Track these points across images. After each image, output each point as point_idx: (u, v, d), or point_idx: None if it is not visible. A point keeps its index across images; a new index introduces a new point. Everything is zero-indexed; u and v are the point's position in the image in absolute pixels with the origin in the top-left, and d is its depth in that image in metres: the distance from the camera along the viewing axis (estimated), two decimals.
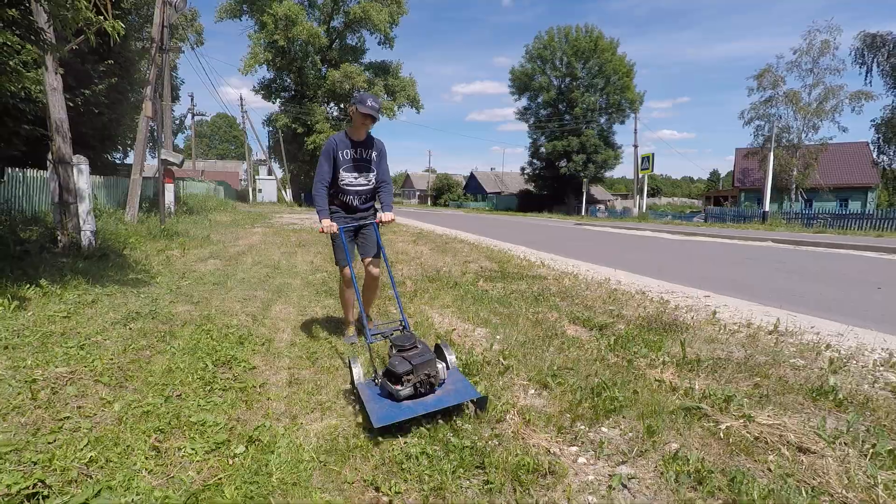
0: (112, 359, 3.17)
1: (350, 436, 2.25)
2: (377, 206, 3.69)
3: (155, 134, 15.66)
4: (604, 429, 2.28)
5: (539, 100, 42.33)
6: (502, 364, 3.07)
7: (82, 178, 7.74)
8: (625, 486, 1.85)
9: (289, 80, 39.95)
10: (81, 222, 7.64)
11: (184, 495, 1.79)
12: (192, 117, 35.24)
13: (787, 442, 2.07)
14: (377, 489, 1.86)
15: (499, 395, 2.63)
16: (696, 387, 2.60)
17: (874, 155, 26.97)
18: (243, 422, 2.38)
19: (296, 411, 2.53)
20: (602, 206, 44.06)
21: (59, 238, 7.55)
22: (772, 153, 24.76)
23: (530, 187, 46.88)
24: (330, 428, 2.33)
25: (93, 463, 1.98)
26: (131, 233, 9.26)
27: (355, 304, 3.65)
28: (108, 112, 12.97)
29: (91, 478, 1.89)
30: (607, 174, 46.42)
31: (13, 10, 5.86)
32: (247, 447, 2.13)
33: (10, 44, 5.72)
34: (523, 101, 44.44)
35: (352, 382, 2.73)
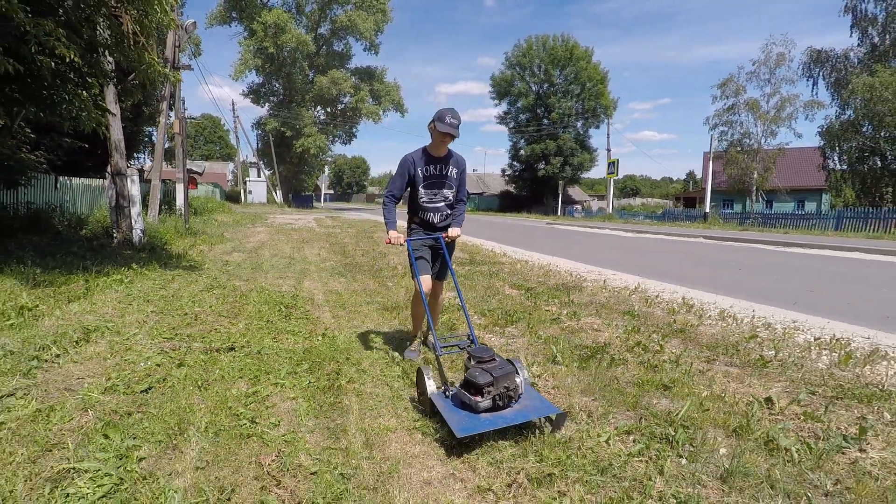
0: (217, 306, 5.13)
1: (370, 337, 4.25)
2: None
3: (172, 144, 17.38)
4: (509, 328, 4.33)
5: (518, 105, 44.70)
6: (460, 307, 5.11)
7: (134, 186, 9.57)
8: (514, 344, 3.89)
9: (277, 85, 41.59)
10: (133, 222, 9.48)
11: (295, 351, 3.78)
12: (184, 122, 36.61)
13: (593, 328, 4.14)
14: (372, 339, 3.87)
15: (461, 320, 4.65)
16: (564, 312, 4.68)
17: (823, 160, 29.68)
18: (315, 331, 4.37)
19: (342, 326, 4.52)
20: (579, 207, 46.57)
21: (114, 235, 9.37)
22: (709, 167, 27.18)
23: (511, 188, 49.26)
24: (360, 332, 4.33)
25: (246, 343, 3.95)
26: (165, 231, 11.08)
27: (425, 319, 3.59)
28: (129, 125, 14.70)
29: (249, 345, 3.87)
30: (586, 175, 48.98)
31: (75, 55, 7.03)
32: (322, 337, 4.12)
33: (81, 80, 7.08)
34: (503, 106, 46.83)
35: (422, 392, 2.76)
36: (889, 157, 24.76)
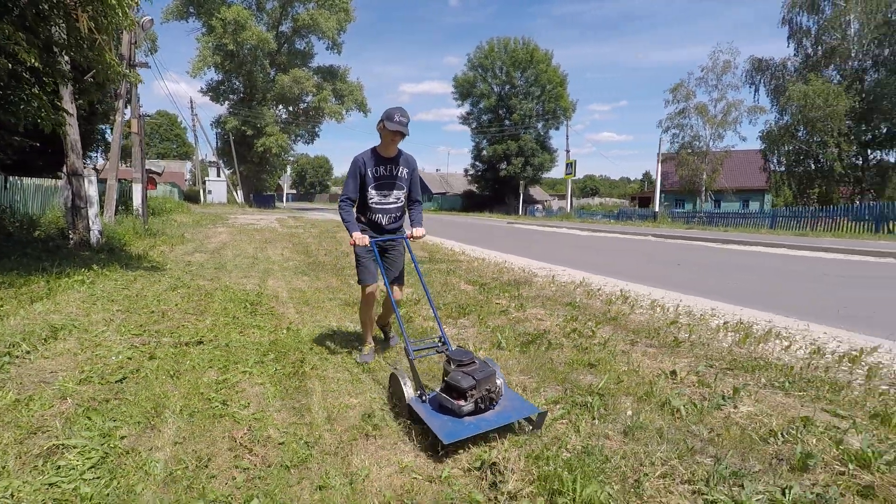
0: (183, 304, 5.31)
1: (331, 329, 4.57)
2: (407, 222, 3.68)
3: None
4: (461, 320, 4.73)
5: (481, 105, 45.45)
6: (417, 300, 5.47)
7: (92, 187, 9.47)
8: (464, 334, 4.29)
9: (238, 83, 40.78)
10: (91, 223, 9.39)
11: (261, 343, 4.06)
12: (142, 122, 35.46)
13: (537, 318, 4.59)
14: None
15: (417, 313, 5.02)
16: (512, 304, 5.12)
17: (764, 162, 31.62)
18: (279, 325, 4.64)
19: (306, 321, 4.81)
20: (540, 206, 47.72)
21: (70, 237, 9.26)
22: (658, 169, 28.55)
23: (473, 188, 49.98)
24: (323, 326, 4.63)
25: (214, 338, 4.20)
26: (124, 232, 10.97)
27: (374, 325, 3.77)
28: (83, 123, 14.35)
29: (217, 339, 4.12)
30: (547, 175, 50.25)
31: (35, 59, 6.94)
32: (286, 330, 4.40)
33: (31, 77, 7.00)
34: (466, 107, 47.48)
35: (399, 397, 2.74)
36: (821, 160, 26.62)
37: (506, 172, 43.35)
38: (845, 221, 16.35)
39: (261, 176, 43.57)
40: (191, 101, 40.85)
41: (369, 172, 3.39)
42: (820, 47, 27.39)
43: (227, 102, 40.97)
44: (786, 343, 3.91)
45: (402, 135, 3.26)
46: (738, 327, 4.30)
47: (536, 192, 54.79)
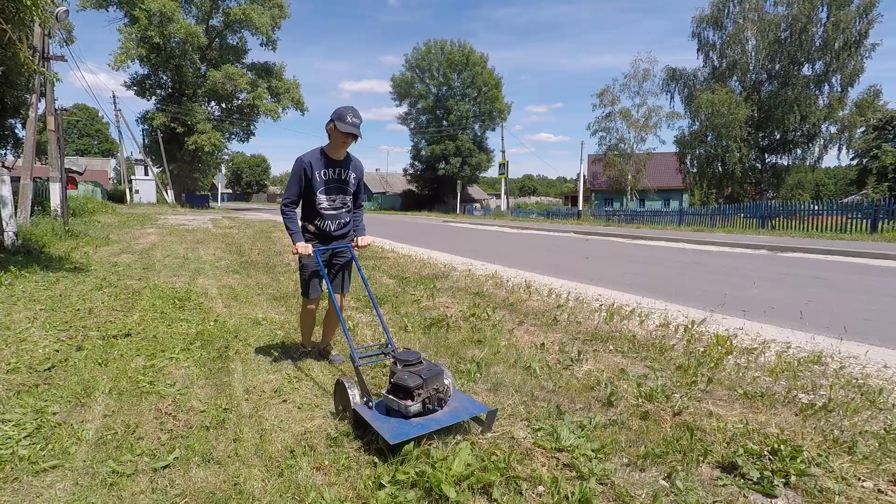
0: (110, 302, 5.50)
1: (258, 320, 4.96)
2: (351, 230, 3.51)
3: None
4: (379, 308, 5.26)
5: (419, 106, 46.12)
6: None
7: (5, 187, 9.16)
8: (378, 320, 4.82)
9: (165, 78, 39.01)
10: (5, 225, 9.09)
11: (188, 334, 4.41)
12: (60, 118, 33.20)
13: (444, 306, 5.21)
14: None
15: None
16: (425, 294, 5.72)
17: (679, 164, 34.31)
18: (207, 318, 4.97)
19: (233, 313, 5.16)
20: (478, 205, 48.98)
21: None
22: (581, 171, 30.39)
23: (413, 188, 50.57)
24: (250, 318, 5.02)
25: (142, 330, 4.49)
26: (42, 233, 10.60)
27: (311, 332, 3.84)
28: None
29: (145, 332, 4.42)
30: (485, 175, 51.73)
31: None
32: (213, 322, 4.75)
33: None
34: (404, 108, 47.98)
35: (345, 405, 2.69)
36: (727, 163, 29.33)
37: (444, 172, 44.27)
38: (737, 218, 18.38)
39: (193, 175, 41.89)
40: (113, 96, 38.51)
41: (317, 175, 3.20)
42: (724, 60, 30.14)
43: (154, 98, 39.12)
44: (642, 319, 4.74)
45: (355, 137, 3.09)
46: (611, 308, 5.11)
47: (475, 191, 56.13)
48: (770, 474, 2.07)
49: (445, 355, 3.80)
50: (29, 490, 2.19)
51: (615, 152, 38.44)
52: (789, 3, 27.80)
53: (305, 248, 3.14)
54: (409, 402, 2.40)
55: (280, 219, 3.75)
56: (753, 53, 29.23)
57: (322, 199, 3.26)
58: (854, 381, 3.12)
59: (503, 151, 38.85)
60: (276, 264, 8.57)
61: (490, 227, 20.33)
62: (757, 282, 7.12)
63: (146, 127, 39.33)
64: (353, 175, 3.34)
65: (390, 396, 2.47)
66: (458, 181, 42.12)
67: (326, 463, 2.31)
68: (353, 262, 3.44)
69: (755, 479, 2.07)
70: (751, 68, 29.65)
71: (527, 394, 3.02)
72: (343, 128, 3.02)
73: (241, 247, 11.35)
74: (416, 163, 48.32)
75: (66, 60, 16.18)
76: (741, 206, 20.02)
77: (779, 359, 3.54)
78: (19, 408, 2.88)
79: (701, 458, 2.25)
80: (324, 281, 3.36)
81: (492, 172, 51.68)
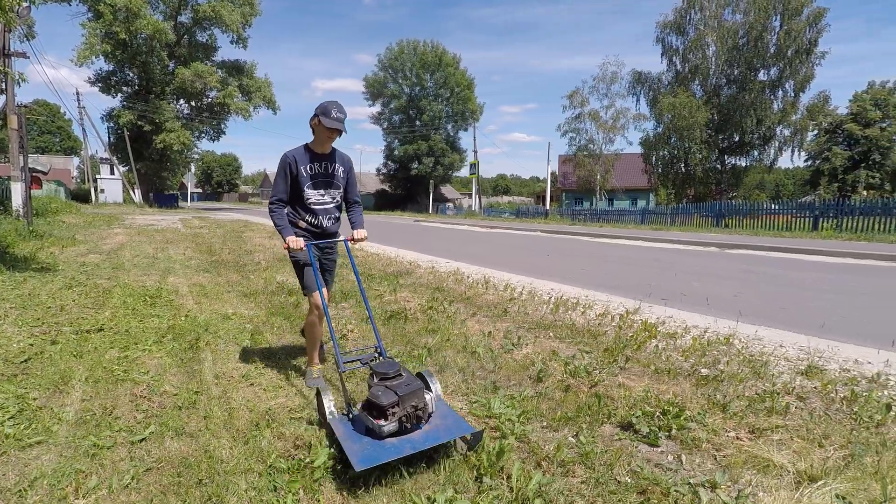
0: (81, 300, 5.68)
1: (228, 315, 5.24)
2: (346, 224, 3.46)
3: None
4: (342, 303, 5.60)
5: (392, 106, 46.34)
6: None
7: None
8: (343, 313, 5.16)
9: (132, 75, 38.20)
10: None
11: (160, 328, 4.66)
12: (22, 117, 32.26)
13: (405, 300, 5.58)
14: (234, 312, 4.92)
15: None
16: (388, 291, 6.08)
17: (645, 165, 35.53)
18: (178, 314, 5.22)
19: (204, 309, 5.42)
20: (451, 205, 49.51)
21: None
22: (549, 170, 31.20)
23: (386, 187, 50.78)
24: (220, 314, 5.29)
25: (115, 325, 4.72)
26: (5, 234, 10.52)
27: (321, 341, 3.53)
28: None
29: (118, 327, 4.65)
30: (458, 174, 52.34)
31: None
32: (185, 318, 5.01)
33: None
34: (377, 107, 48.12)
35: (322, 417, 2.55)
36: (690, 164, 30.54)
37: (417, 172, 44.63)
38: (695, 217, 19.32)
39: (161, 174, 41.11)
40: (77, 92, 37.49)
41: (302, 170, 3.16)
42: (686, 65, 31.37)
43: (120, 95, 38.24)
44: (584, 309, 5.21)
45: (340, 132, 3.09)
46: (559, 301, 5.56)
47: (448, 190, 56.61)
48: (656, 429, 2.52)
49: (401, 343, 4.18)
50: (17, 462, 2.47)
51: (585, 153, 39.44)
52: (746, 11, 29.11)
53: (296, 241, 3.03)
54: (382, 422, 2.23)
55: (251, 218, 3.99)
56: (714, 59, 30.52)
57: (310, 194, 3.21)
58: (749, 357, 3.62)
59: (475, 152, 39.52)
60: (246, 263, 8.78)
61: (460, 227, 20.77)
62: (700, 276, 7.71)
63: (112, 125, 38.43)
64: (340, 168, 3.28)
65: (364, 413, 2.34)
66: (431, 181, 42.55)
67: (287, 433, 2.66)
68: (349, 258, 3.29)
69: (644, 434, 2.51)
70: (711, 73, 30.95)
71: (469, 373, 3.42)
72: (328, 123, 3.01)
73: (211, 246, 11.47)
74: (390, 162, 48.54)
75: (28, 57, 15.92)
76: (698, 205, 21.03)
77: (694, 341, 4.03)
78: (0, 394, 3.12)
79: (605, 420, 2.69)
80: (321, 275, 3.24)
81: (465, 172, 52.23)
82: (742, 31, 29.40)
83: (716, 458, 2.31)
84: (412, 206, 45.67)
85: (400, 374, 2.43)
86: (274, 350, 4.08)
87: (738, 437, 2.45)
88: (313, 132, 3.18)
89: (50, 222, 15.56)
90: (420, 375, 2.57)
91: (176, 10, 38.12)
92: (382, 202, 49.69)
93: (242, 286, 6.70)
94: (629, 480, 2.12)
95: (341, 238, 3.32)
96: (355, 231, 3.30)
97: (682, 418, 2.59)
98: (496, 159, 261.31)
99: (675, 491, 1.99)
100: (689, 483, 2.06)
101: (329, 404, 2.50)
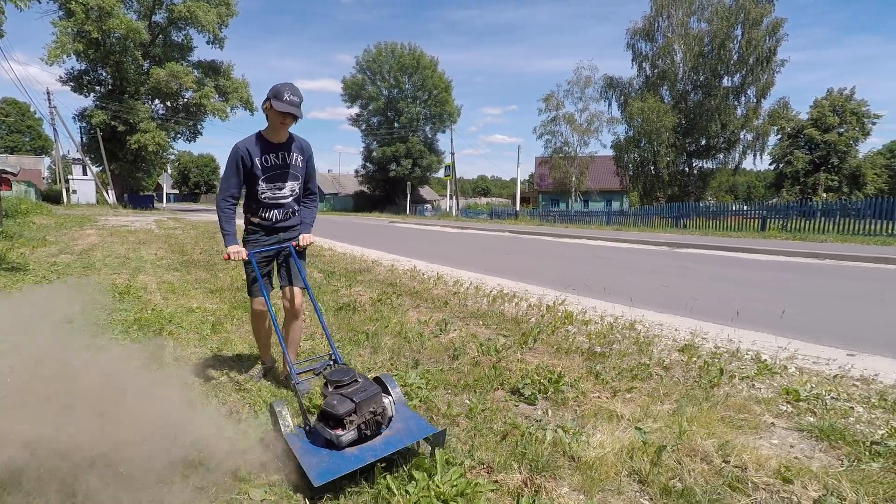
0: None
1: (192, 308, 5.67)
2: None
3: None
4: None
5: (370, 108, 46.75)
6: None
7: None
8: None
9: (105, 74, 37.87)
10: None
11: (127, 320, 5.08)
12: None
13: (358, 294, 6.09)
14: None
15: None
16: (344, 286, 6.57)
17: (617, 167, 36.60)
18: (145, 308, 5.63)
19: (170, 304, 5.84)
20: (429, 206, 50.08)
21: None
22: (518, 173, 31.97)
23: (365, 189, 51.15)
24: (185, 307, 5.72)
25: (82, 318, 5.13)
26: None
27: (271, 342, 3.50)
28: None
29: (84, 319, 5.06)
30: (436, 176, 52.87)
31: None
32: (151, 311, 5.43)
33: None
34: (356, 109, 48.48)
35: (278, 432, 2.41)
36: (658, 167, 31.63)
37: (395, 173, 45.11)
38: (656, 219, 20.22)
39: (136, 175, 40.82)
40: (47, 92, 36.98)
41: (257, 162, 2.92)
42: (655, 70, 32.48)
43: (92, 94, 37.89)
44: (518, 301, 5.79)
45: (294, 117, 2.82)
46: (500, 294, 6.13)
47: (426, 191, 57.15)
48: (536, 392, 3.08)
49: (346, 330, 4.68)
50: None
51: (560, 154, 40.33)
52: (710, 20, 30.31)
53: (237, 252, 2.89)
54: (339, 432, 2.16)
55: None
56: (681, 65, 31.68)
57: (264, 188, 2.98)
58: (639, 339, 4.23)
59: (452, 154, 40.16)
60: (217, 262, 9.15)
61: (433, 228, 21.32)
62: (639, 272, 8.38)
63: (84, 124, 38.06)
64: (298, 157, 3.02)
65: (320, 424, 2.24)
66: (409, 182, 43.06)
67: (231, 399, 3.15)
68: (295, 264, 3.12)
69: (526, 396, 3.07)
70: (678, 79, 32.11)
71: (397, 353, 3.95)
72: (279, 107, 2.73)
73: (183, 247, 11.78)
74: (368, 164, 48.93)
75: None
76: (658, 207, 21.98)
77: (602, 327, 4.63)
78: None
79: (498, 387, 3.24)
80: (267, 282, 3.16)
81: (442, 174, 52.89)
82: (707, 38, 30.61)
83: (576, 413, 2.88)
84: (390, 207, 46.11)
85: (355, 381, 2.33)
86: (231, 339, 4.55)
87: (599, 397, 3.03)
88: (266, 117, 2.91)
89: (20, 223, 15.63)
90: (378, 380, 2.50)
91: (150, 9, 37.93)
92: (361, 203, 50.04)
93: (210, 283, 7.11)
94: (500, 428, 2.67)
95: (286, 245, 3.08)
96: (301, 237, 3.10)
97: (560, 384, 3.16)
98: (477, 161, 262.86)
99: (528, 432, 2.55)
100: (545, 428, 2.62)
101: (284, 420, 2.37)
